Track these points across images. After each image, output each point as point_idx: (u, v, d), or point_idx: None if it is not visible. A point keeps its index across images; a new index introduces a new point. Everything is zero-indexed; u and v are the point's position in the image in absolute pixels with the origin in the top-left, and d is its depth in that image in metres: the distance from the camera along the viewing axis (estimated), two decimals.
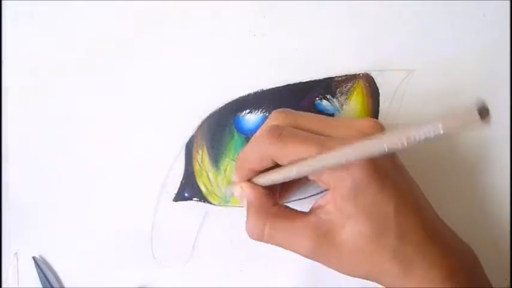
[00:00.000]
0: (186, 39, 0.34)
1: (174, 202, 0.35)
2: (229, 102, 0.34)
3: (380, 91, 0.33)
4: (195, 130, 0.34)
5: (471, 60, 0.33)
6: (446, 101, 0.34)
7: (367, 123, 0.27)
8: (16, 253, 0.36)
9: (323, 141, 0.26)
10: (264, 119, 0.34)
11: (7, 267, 0.36)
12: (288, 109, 0.29)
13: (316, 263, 0.27)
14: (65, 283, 0.36)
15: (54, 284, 0.35)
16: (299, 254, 0.27)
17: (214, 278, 0.35)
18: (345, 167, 0.25)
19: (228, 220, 0.35)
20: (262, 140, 0.27)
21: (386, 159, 0.27)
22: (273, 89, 0.33)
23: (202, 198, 0.35)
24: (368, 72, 0.33)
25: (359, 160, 0.25)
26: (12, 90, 0.35)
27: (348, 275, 0.27)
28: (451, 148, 0.34)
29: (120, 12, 0.34)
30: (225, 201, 0.35)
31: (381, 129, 0.27)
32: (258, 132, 0.29)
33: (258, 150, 0.28)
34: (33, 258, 0.35)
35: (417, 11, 0.33)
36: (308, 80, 0.33)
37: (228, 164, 0.34)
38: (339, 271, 0.27)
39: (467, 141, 0.34)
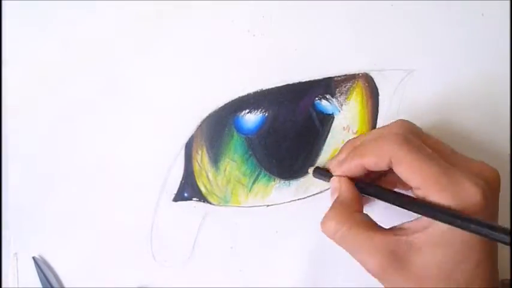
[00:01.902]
0: (185, 39, 0.34)
1: (174, 202, 0.35)
2: (229, 102, 0.34)
3: (379, 91, 0.33)
4: (194, 130, 0.34)
5: (470, 60, 0.33)
6: (445, 101, 0.34)
7: (485, 167, 0.27)
8: (16, 253, 0.36)
9: (453, 184, 0.25)
10: (264, 119, 0.34)
11: (7, 267, 0.36)
12: (415, 125, 0.29)
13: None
14: (65, 283, 0.36)
15: (54, 284, 0.35)
16: (364, 266, 0.27)
17: (214, 278, 0.35)
18: (458, 183, 0.25)
19: (227, 220, 0.35)
20: (391, 140, 0.27)
21: (496, 194, 0.27)
22: (272, 88, 0.33)
23: (202, 198, 0.35)
24: (367, 72, 0.33)
25: (476, 183, 0.25)
26: (12, 90, 0.35)
27: None
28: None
29: (120, 12, 0.34)
30: (225, 201, 0.35)
31: (497, 175, 0.27)
32: (384, 130, 0.28)
33: (381, 148, 0.27)
34: (33, 258, 0.35)
35: (417, 11, 0.33)
36: (307, 79, 0.33)
37: (227, 164, 0.34)
38: None
39: (467, 141, 0.34)
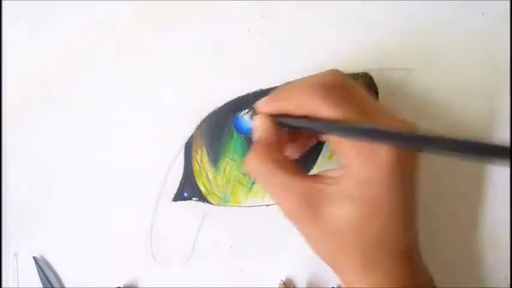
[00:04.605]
0: (185, 39, 0.34)
1: (174, 202, 0.35)
2: (229, 102, 0.34)
3: (379, 90, 0.33)
4: (194, 130, 0.34)
5: (470, 60, 0.33)
6: (445, 101, 0.34)
7: (405, 124, 0.26)
8: (16, 253, 0.36)
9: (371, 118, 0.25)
10: None
11: (7, 267, 0.36)
12: (345, 76, 0.28)
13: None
14: (65, 283, 0.36)
15: (55, 284, 0.35)
16: (280, 207, 0.27)
17: (214, 278, 0.35)
18: (373, 149, 0.24)
19: (227, 220, 0.35)
20: (311, 91, 0.26)
21: (412, 159, 0.26)
22: (272, 88, 0.33)
23: (202, 198, 0.35)
24: (367, 71, 0.33)
25: (391, 147, 0.24)
26: (12, 90, 0.35)
27: (314, 251, 0.27)
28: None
29: (120, 12, 0.34)
30: (225, 201, 0.35)
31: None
32: (312, 79, 0.27)
33: (301, 97, 0.26)
34: (34, 258, 0.35)
35: (417, 10, 0.33)
36: None
37: (227, 163, 0.34)
38: (308, 242, 0.27)
39: None
